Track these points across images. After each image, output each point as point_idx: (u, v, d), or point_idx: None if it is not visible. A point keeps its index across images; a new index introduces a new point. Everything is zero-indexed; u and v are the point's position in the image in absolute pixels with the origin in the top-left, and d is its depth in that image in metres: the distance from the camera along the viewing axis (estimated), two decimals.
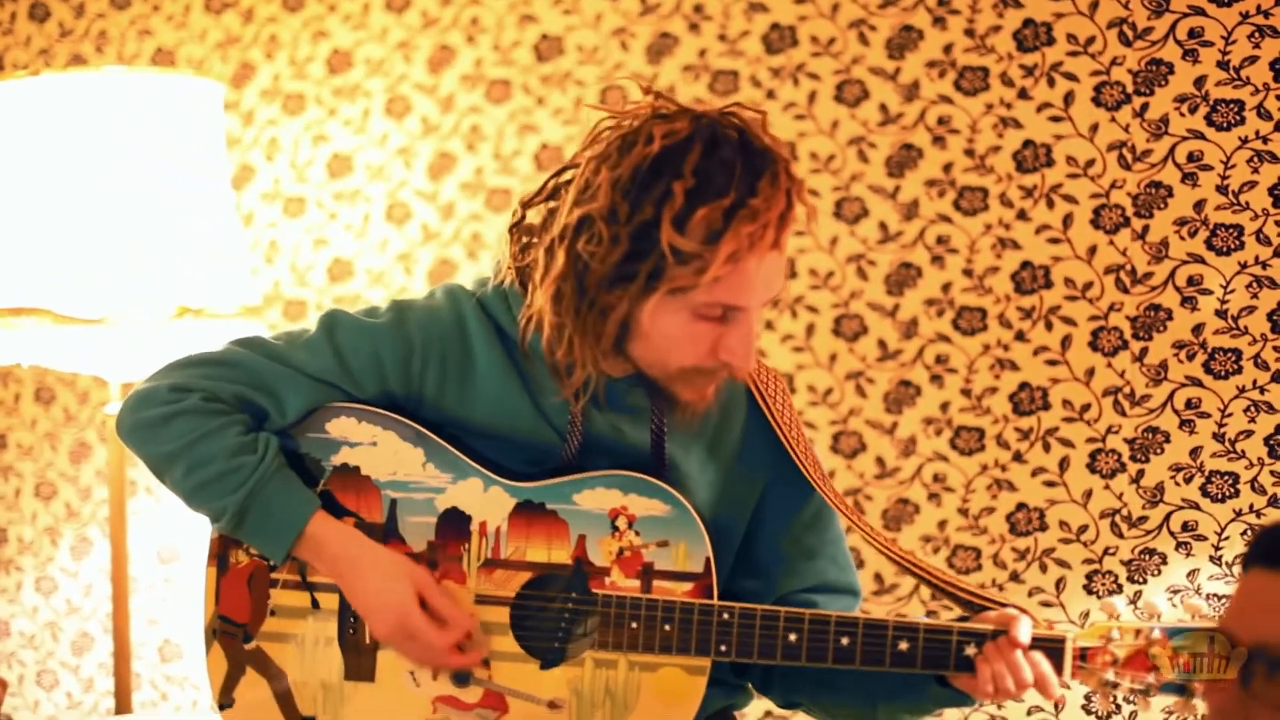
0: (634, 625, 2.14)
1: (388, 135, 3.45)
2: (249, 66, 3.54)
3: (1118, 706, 2.12)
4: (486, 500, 2.18)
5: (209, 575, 2.24)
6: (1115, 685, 2.10)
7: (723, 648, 2.13)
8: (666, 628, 2.13)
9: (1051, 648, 2.10)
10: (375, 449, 2.20)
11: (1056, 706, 2.97)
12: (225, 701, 2.24)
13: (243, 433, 2.16)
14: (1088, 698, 2.95)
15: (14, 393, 3.70)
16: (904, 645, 2.11)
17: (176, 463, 2.16)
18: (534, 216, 2.16)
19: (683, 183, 1.97)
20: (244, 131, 3.53)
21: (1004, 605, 2.16)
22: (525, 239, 2.17)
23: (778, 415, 2.27)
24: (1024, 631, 2.09)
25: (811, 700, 2.31)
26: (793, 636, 2.12)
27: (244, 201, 3.52)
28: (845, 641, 2.11)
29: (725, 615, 2.12)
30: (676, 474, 2.22)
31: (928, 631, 2.11)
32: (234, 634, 2.24)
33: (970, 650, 2.10)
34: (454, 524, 2.19)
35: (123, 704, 3.23)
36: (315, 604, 2.22)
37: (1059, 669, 2.09)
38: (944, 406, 3.07)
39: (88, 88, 3.05)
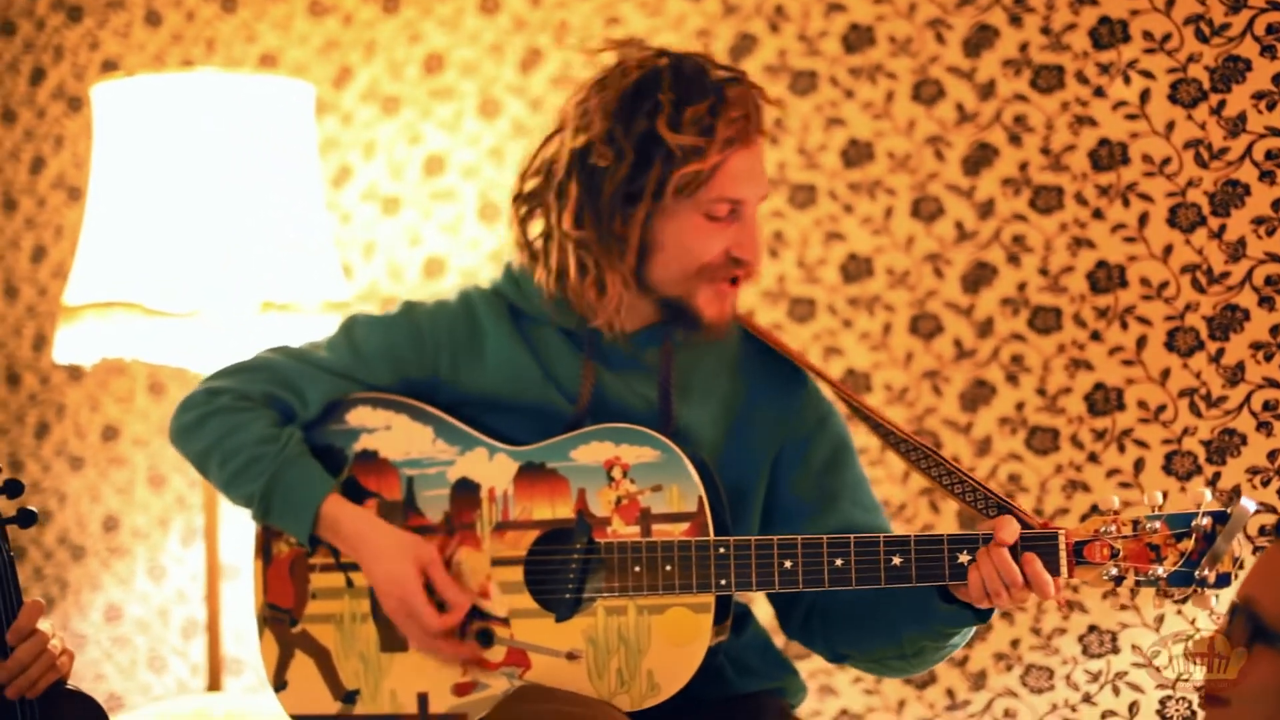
0: (637, 569, 2.21)
1: (480, 136, 3.52)
2: (348, 70, 3.63)
3: (1132, 593, 2.08)
4: (493, 467, 2.30)
5: (256, 568, 2.40)
6: (1119, 579, 2.07)
7: (723, 581, 2.19)
8: (668, 568, 2.20)
9: (1044, 546, 2.09)
10: (390, 432, 2.35)
11: (1131, 709, 2.94)
12: (279, 684, 2.38)
13: (269, 425, 2.33)
14: (1163, 702, 2.92)
15: (128, 386, 3.84)
16: (897, 560, 2.14)
17: (212, 456, 2.34)
18: (531, 186, 2.35)
19: (666, 95, 2.21)
20: (343, 132, 3.62)
21: (1008, 504, 2.19)
22: (526, 207, 2.34)
23: (786, 349, 2.40)
24: (1010, 532, 2.09)
25: (852, 645, 2.33)
26: (788, 563, 2.16)
27: (343, 201, 3.61)
28: (839, 563, 2.15)
29: (721, 549, 2.19)
30: (687, 430, 2.31)
31: (919, 543, 2.13)
32: (281, 619, 2.38)
33: (964, 558, 2.12)
34: (466, 493, 2.31)
35: (214, 685, 3.34)
36: (350, 583, 2.35)
37: (1055, 568, 2.08)
38: (1019, 406, 3.05)
39: (183, 89, 3.16)
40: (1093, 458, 2.99)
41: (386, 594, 2.27)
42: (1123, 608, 2.96)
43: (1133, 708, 2.95)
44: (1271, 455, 2.85)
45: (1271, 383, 2.85)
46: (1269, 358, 2.85)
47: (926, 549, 2.14)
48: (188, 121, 3.15)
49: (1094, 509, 2.95)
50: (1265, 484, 2.85)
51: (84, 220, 3.30)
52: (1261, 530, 2.82)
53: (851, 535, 2.16)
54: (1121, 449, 2.97)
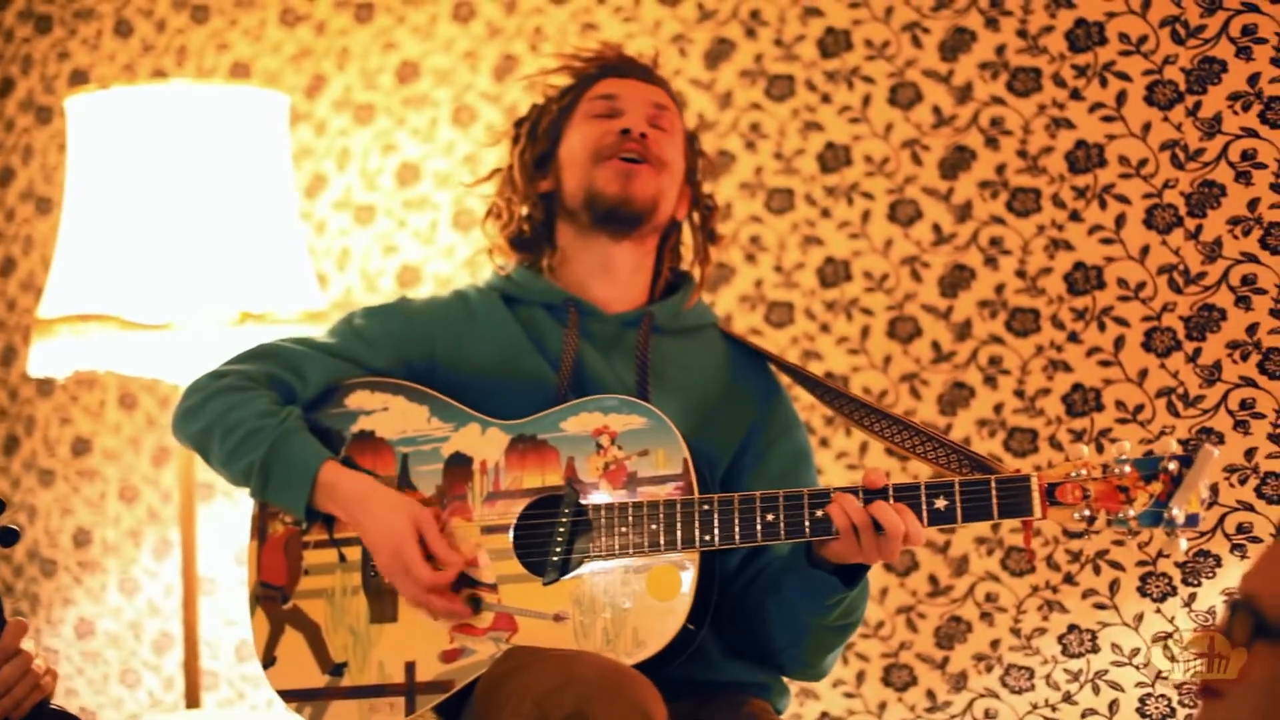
0: (624, 530, 2.26)
1: (454, 144, 3.51)
2: (321, 78, 3.62)
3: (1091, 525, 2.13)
4: (485, 441, 2.37)
5: (251, 549, 2.44)
6: (1091, 519, 2.11)
7: (707, 537, 2.23)
8: (654, 526, 2.25)
9: (1018, 488, 2.13)
10: (387, 413, 2.42)
11: (1111, 708, 2.95)
12: (268, 660, 2.41)
13: (270, 402, 2.39)
14: (1143, 700, 2.93)
15: (99, 398, 3.81)
16: (820, 512, 2.20)
17: (213, 434, 2.39)
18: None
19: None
20: (316, 141, 3.61)
21: (964, 451, 2.28)
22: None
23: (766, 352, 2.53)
24: (875, 477, 2.17)
25: (762, 633, 2.37)
26: (770, 516, 2.21)
27: (317, 210, 3.60)
28: (820, 514, 2.19)
29: (705, 506, 2.24)
30: (661, 407, 2.36)
31: (898, 490, 2.17)
32: (273, 597, 2.42)
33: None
34: (458, 466, 2.37)
35: (192, 701, 3.31)
36: (342, 558, 2.38)
37: (1029, 508, 2.12)
38: (998, 408, 3.06)
39: (157, 100, 3.14)
40: None
41: (381, 548, 2.30)
42: (1101, 607, 2.97)
43: (1113, 706, 2.96)
44: (1249, 454, 2.87)
45: (1248, 382, 2.87)
46: (1245, 357, 2.87)
47: (904, 495, 2.18)
48: (162, 133, 3.14)
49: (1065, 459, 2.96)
50: (1243, 482, 2.87)
51: (58, 233, 3.28)
52: (1277, 530, 2.83)
53: (832, 489, 2.21)
54: (1100, 449, 2.97)
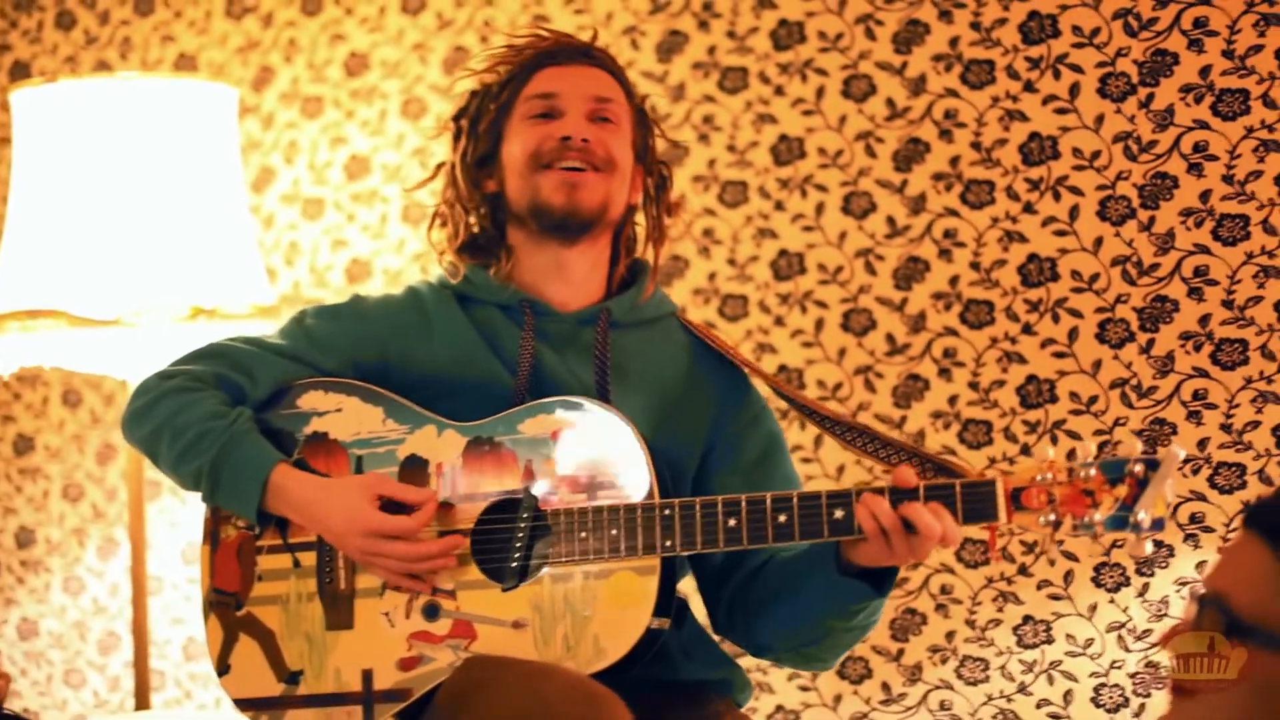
0: (584, 535, 2.21)
1: (404, 136, 3.48)
2: (269, 70, 3.58)
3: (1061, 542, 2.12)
4: (441, 443, 2.31)
5: (203, 553, 2.38)
6: (1057, 525, 2.08)
7: (668, 542, 2.19)
8: (614, 532, 2.20)
9: (983, 492, 2.09)
10: (341, 414, 2.36)
11: (1066, 698, 2.96)
12: (222, 668, 2.36)
13: (219, 404, 2.33)
14: (1097, 690, 2.94)
15: (42, 395, 3.76)
16: (839, 513, 2.13)
17: (162, 435, 2.33)
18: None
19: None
20: (264, 135, 3.58)
21: (930, 458, 2.23)
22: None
23: (720, 345, 2.44)
24: (903, 476, 2.10)
25: (770, 634, 2.33)
26: (732, 521, 2.17)
27: (264, 204, 3.56)
28: (783, 519, 2.15)
29: (666, 510, 2.19)
30: (622, 408, 2.31)
31: (859, 494, 2.12)
32: (227, 603, 2.36)
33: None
34: (414, 469, 2.31)
35: (142, 701, 3.27)
36: (296, 563, 2.33)
37: (994, 513, 2.09)
38: (952, 400, 3.07)
39: (103, 93, 3.10)
40: (1026, 450, 3.01)
41: (347, 535, 2.24)
42: (1056, 598, 2.98)
43: (1067, 696, 2.97)
44: (1202, 444, 2.88)
45: (1201, 373, 2.89)
46: (1198, 348, 2.89)
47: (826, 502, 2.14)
48: (109, 127, 3.10)
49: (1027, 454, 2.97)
50: (1195, 472, 2.88)
51: (3, 228, 3.23)
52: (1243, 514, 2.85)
53: (795, 491, 2.18)
54: (1054, 441, 2.99)
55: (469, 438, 2.30)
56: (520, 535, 2.24)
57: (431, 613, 2.27)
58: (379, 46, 3.50)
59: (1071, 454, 2.09)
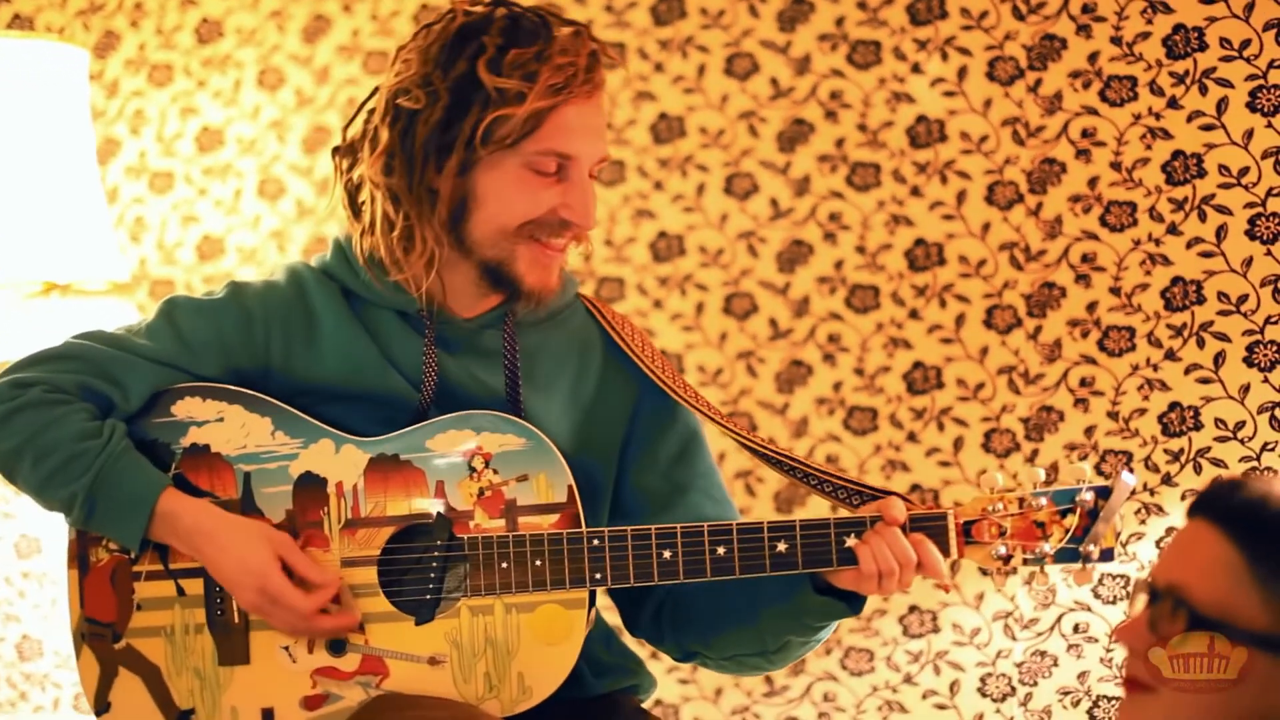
0: (504, 565, 2.08)
1: (260, 108, 3.32)
2: (113, 35, 3.39)
3: (1014, 570, 2.08)
4: (340, 460, 2.14)
5: (71, 579, 2.17)
6: (1008, 559, 2.05)
7: (598, 575, 2.08)
8: (538, 563, 2.08)
9: (933, 526, 2.04)
10: (223, 424, 2.15)
11: (952, 688, 2.93)
12: (101, 707, 2.17)
13: (87, 419, 2.11)
14: (983, 680, 2.91)
15: None
16: (782, 546, 2.06)
17: (23, 457, 2.10)
18: (352, 135, 2.19)
19: (492, 38, 2.08)
20: (108, 103, 3.38)
21: (886, 493, 2.11)
22: (348, 160, 2.18)
23: (632, 345, 2.26)
24: (899, 510, 2.04)
25: (706, 643, 2.24)
26: (667, 554, 2.07)
27: (108, 176, 3.37)
28: (721, 551, 2.06)
29: (595, 541, 2.08)
30: (535, 419, 2.17)
31: (804, 527, 2.05)
32: (102, 635, 2.16)
33: (850, 541, 2.04)
34: (310, 488, 2.13)
35: None
36: (181, 591, 2.14)
37: (945, 548, 2.04)
38: (837, 386, 3.02)
39: None
40: (912, 437, 2.97)
41: (242, 586, 2.07)
42: (944, 589, 2.94)
43: (953, 686, 2.94)
44: (1089, 431, 2.87)
45: (1088, 359, 2.88)
46: (1085, 334, 2.88)
47: (813, 534, 2.06)
48: None
49: (913, 440, 2.94)
50: (1083, 459, 2.87)
51: None
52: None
53: (734, 522, 2.08)
54: (941, 427, 2.96)
55: (371, 454, 2.13)
56: (433, 564, 2.10)
57: (337, 648, 2.11)
58: (234, 13, 3.33)
59: (1014, 476, 2.06)
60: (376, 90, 2.17)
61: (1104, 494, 2.04)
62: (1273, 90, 2.73)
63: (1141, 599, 1.71)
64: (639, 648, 2.55)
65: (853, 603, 2.11)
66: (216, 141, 3.35)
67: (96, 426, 2.10)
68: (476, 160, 2.09)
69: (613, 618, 2.39)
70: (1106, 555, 2.04)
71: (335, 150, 2.21)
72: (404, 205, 2.10)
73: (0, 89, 2.91)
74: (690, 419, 2.31)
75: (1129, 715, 1.69)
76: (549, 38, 2.10)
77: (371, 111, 2.16)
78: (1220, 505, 1.66)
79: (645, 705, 2.36)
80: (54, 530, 3.36)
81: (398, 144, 2.10)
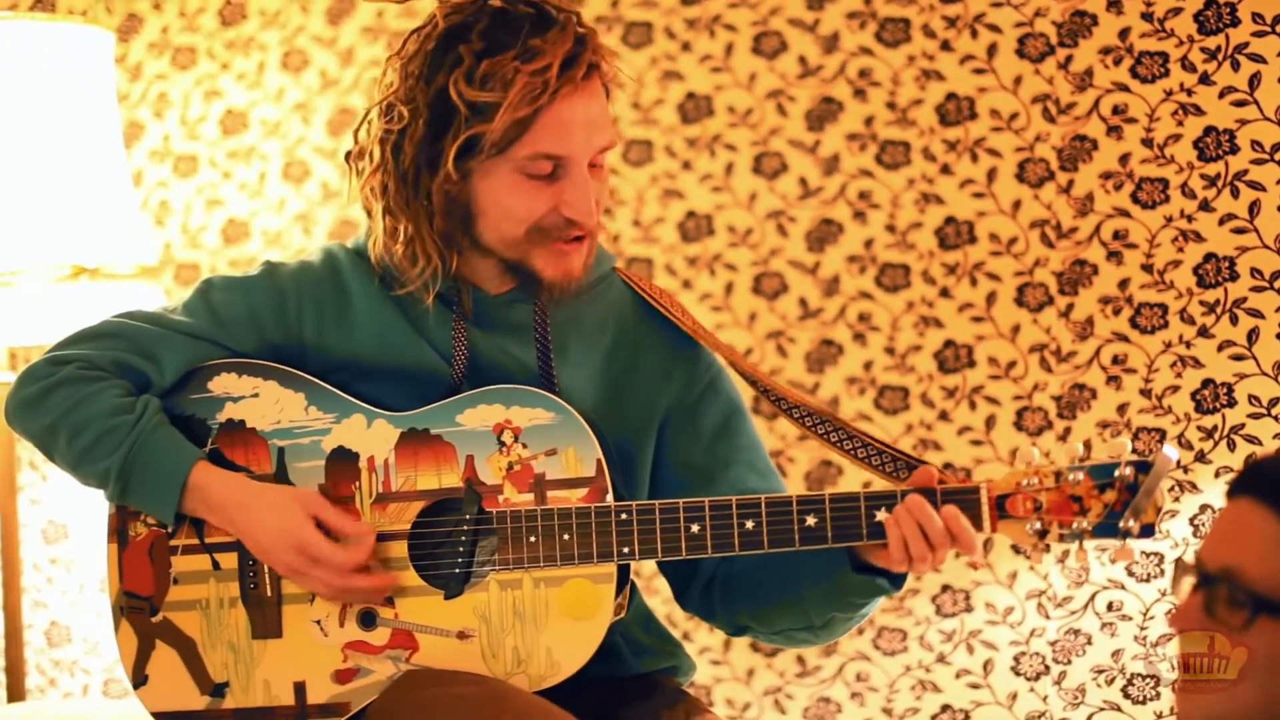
0: (532, 539, 2.08)
1: (284, 90, 3.31)
2: (136, 18, 3.38)
3: (1048, 547, 2.04)
4: (371, 435, 2.15)
5: (110, 552, 2.19)
6: (1043, 533, 2.01)
7: (625, 549, 2.07)
8: (565, 537, 2.07)
9: (966, 500, 2.02)
10: (258, 400, 2.17)
11: (985, 667, 2.92)
12: (139, 679, 2.18)
13: (121, 395, 2.13)
14: (1017, 659, 2.91)
15: None
16: (811, 520, 2.04)
17: (59, 433, 2.13)
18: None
19: (469, 46, 2.04)
20: (131, 87, 3.37)
21: (920, 461, 2.10)
22: (360, 164, 2.17)
23: (672, 310, 2.25)
24: (928, 480, 2.03)
25: (755, 616, 2.23)
26: (695, 528, 2.06)
27: (132, 160, 3.36)
28: (750, 525, 2.05)
29: (624, 515, 2.07)
30: (566, 393, 2.17)
31: (834, 500, 2.04)
32: (140, 608, 2.18)
33: (880, 514, 2.03)
34: (342, 463, 2.15)
35: (16, 692, 3.07)
36: (216, 565, 2.16)
37: (977, 522, 2.01)
38: (867, 365, 3.01)
39: None
40: (943, 416, 2.97)
41: (278, 549, 2.08)
42: (974, 566, 2.94)
43: (987, 665, 2.93)
44: (1121, 409, 2.86)
45: (1120, 337, 2.87)
46: (1117, 312, 2.87)
47: (842, 507, 2.04)
48: None
49: (945, 420, 2.93)
50: (1115, 436, 2.85)
51: None
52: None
53: (763, 496, 2.07)
54: (973, 406, 2.95)
55: (402, 429, 2.13)
56: (462, 538, 2.10)
57: (368, 621, 2.12)
58: None
59: (1047, 454, 2.03)
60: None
61: (1143, 469, 1.99)
62: None
63: (1188, 582, 1.69)
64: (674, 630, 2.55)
65: (894, 580, 2.10)
66: (241, 124, 3.34)
67: (130, 402, 2.12)
68: (471, 170, 2.08)
69: (651, 600, 2.39)
70: (1147, 531, 1.99)
71: (347, 155, 2.21)
72: (402, 220, 2.12)
73: (27, 71, 2.90)
74: (732, 391, 2.30)
75: (1188, 703, 1.68)
76: (527, 36, 2.04)
77: (371, 123, 2.16)
78: (1265, 483, 1.64)
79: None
80: (81, 516, 3.36)
81: (390, 161, 2.11)
